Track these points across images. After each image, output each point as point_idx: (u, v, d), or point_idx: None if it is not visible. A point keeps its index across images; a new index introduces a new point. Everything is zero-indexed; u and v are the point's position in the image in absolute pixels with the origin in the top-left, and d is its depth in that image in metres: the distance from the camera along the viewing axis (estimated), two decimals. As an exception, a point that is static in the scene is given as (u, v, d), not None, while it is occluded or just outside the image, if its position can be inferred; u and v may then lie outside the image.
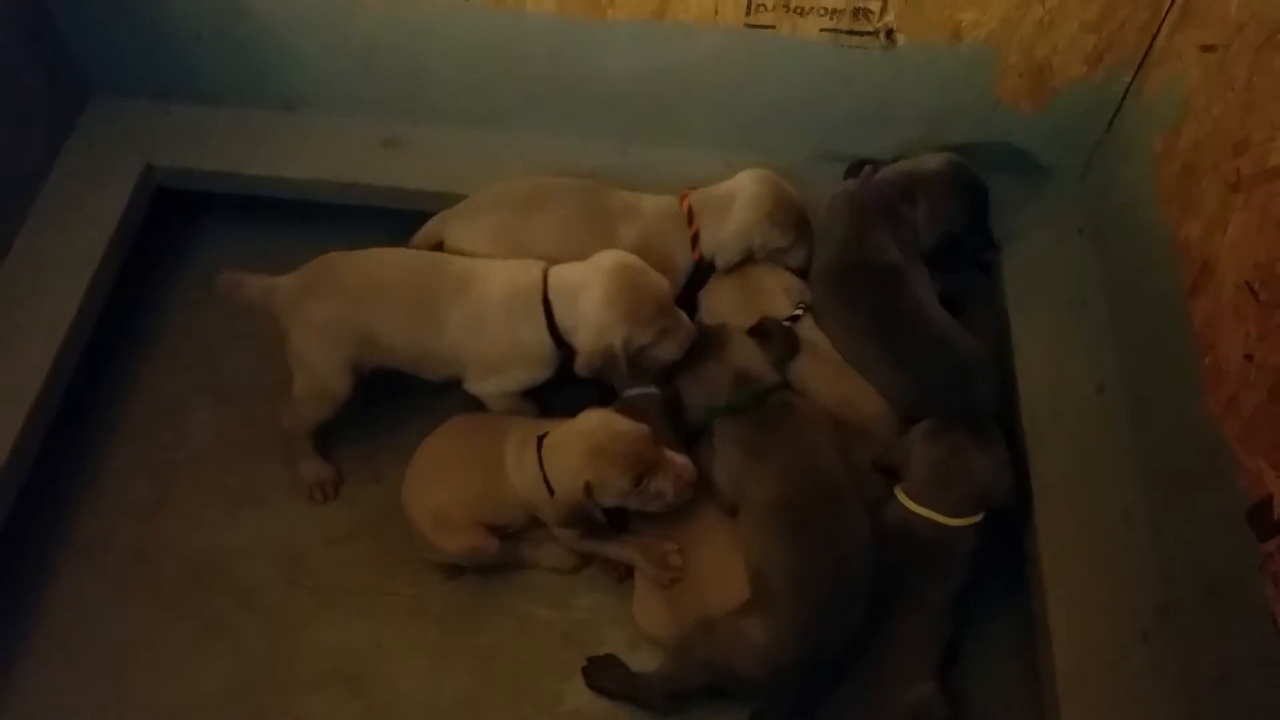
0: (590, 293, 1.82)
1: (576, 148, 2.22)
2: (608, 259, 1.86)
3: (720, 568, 1.82)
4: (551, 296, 1.86)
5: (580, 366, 1.85)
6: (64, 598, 1.93)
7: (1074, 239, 2.14)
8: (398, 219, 2.25)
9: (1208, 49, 1.76)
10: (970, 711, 1.82)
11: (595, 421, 1.79)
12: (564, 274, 1.88)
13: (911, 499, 1.79)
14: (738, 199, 2.02)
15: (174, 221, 2.36)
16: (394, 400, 2.11)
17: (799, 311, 2.00)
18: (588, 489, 1.74)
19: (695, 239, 2.03)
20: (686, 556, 1.85)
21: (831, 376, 1.96)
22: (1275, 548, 1.42)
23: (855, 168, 2.11)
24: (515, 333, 1.87)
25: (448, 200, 2.13)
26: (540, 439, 1.83)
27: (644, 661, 1.86)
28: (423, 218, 2.21)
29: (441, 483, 1.90)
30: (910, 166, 2.05)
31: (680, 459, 1.80)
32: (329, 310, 1.88)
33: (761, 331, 1.92)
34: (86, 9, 2.09)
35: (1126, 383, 1.94)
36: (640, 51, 2.06)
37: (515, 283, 1.88)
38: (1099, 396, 1.94)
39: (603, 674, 1.84)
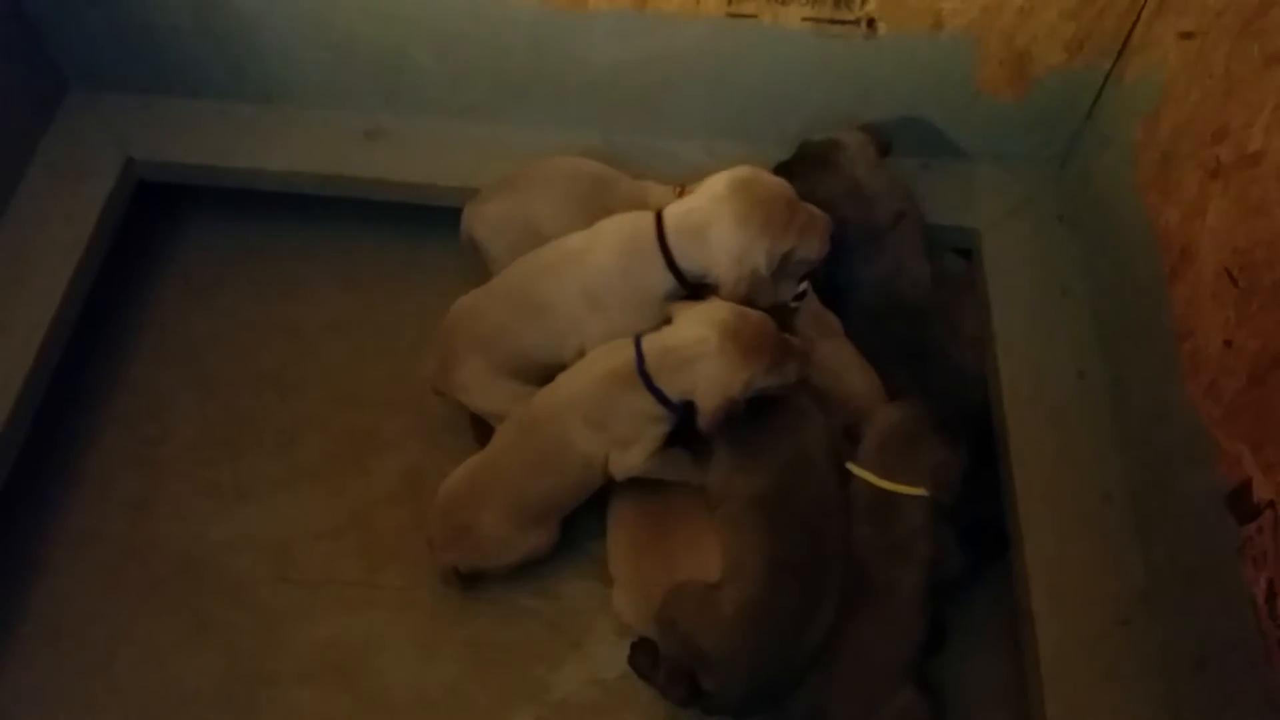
0: (720, 224, 1.77)
1: (559, 138, 2.21)
2: (719, 184, 1.81)
3: (696, 550, 1.82)
4: (671, 240, 1.81)
5: (726, 295, 1.79)
6: (51, 594, 1.93)
7: (1054, 226, 2.15)
8: (381, 210, 2.26)
9: (1186, 36, 1.76)
10: (953, 696, 1.83)
11: (724, 315, 1.72)
12: (680, 214, 1.82)
13: (855, 463, 1.80)
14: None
15: (155, 215, 2.35)
16: (380, 393, 2.11)
17: (803, 288, 1.95)
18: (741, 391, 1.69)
19: None
20: (663, 539, 1.85)
21: (826, 349, 1.97)
22: (1255, 531, 1.43)
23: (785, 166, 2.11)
24: (635, 280, 1.83)
25: (430, 192, 2.14)
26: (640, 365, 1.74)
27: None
28: (406, 209, 2.22)
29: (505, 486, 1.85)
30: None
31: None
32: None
33: None
34: (63, 1, 2.07)
35: (1107, 368, 1.95)
36: (622, 41, 2.05)
37: (624, 232, 1.85)
38: (1080, 382, 1.95)
39: (639, 655, 1.83)
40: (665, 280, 1.82)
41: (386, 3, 2.02)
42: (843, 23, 1.98)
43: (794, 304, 1.95)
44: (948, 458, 1.79)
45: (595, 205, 1.99)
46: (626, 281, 1.83)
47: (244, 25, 2.09)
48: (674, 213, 1.82)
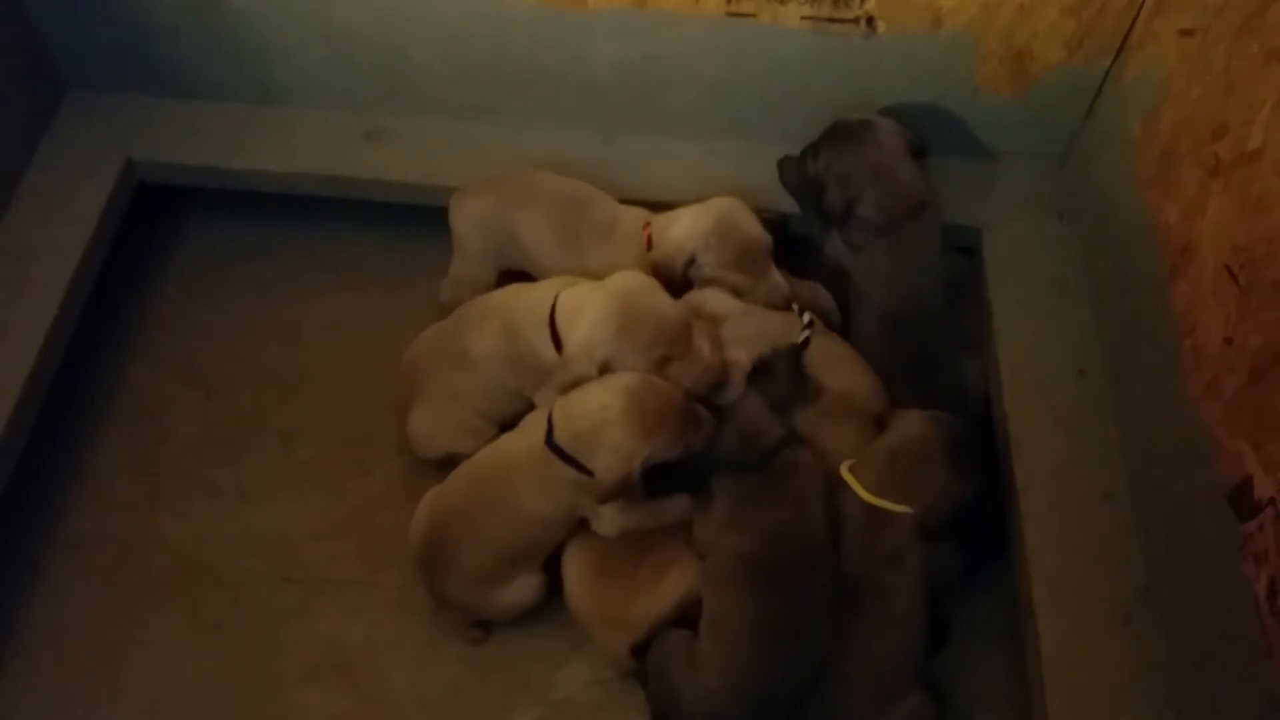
0: (588, 311, 1.76)
1: (558, 138, 2.22)
2: (616, 280, 1.80)
3: (655, 575, 1.81)
4: (558, 316, 1.81)
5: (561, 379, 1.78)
6: (53, 595, 1.93)
7: (1054, 224, 2.15)
8: (380, 211, 2.26)
9: (1186, 33, 1.76)
10: (955, 694, 1.83)
11: (631, 382, 1.68)
12: (569, 296, 1.83)
13: (848, 468, 1.77)
14: (682, 219, 1.94)
15: (156, 217, 2.35)
16: (381, 394, 2.11)
17: (807, 331, 1.91)
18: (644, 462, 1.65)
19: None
20: (620, 570, 1.82)
21: (832, 355, 1.95)
22: (1256, 528, 1.43)
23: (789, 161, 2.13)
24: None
25: (430, 193, 2.14)
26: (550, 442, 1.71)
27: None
28: (405, 210, 2.22)
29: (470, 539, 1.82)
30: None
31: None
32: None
33: (766, 370, 1.82)
34: (62, 3, 2.07)
35: (1108, 366, 1.95)
36: (622, 40, 2.05)
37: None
38: (1081, 380, 1.95)
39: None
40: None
41: (386, 2, 2.02)
42: (842, 21, 1.98)
43: (804, 333, 1.91)
44: (950, 485, 1.75)
45: (571, 229, 2.01)
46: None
47: (243, 26, 2.09)
48: (564, 296, 1.82)
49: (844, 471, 1.77)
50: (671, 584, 1.79)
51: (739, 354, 1.82)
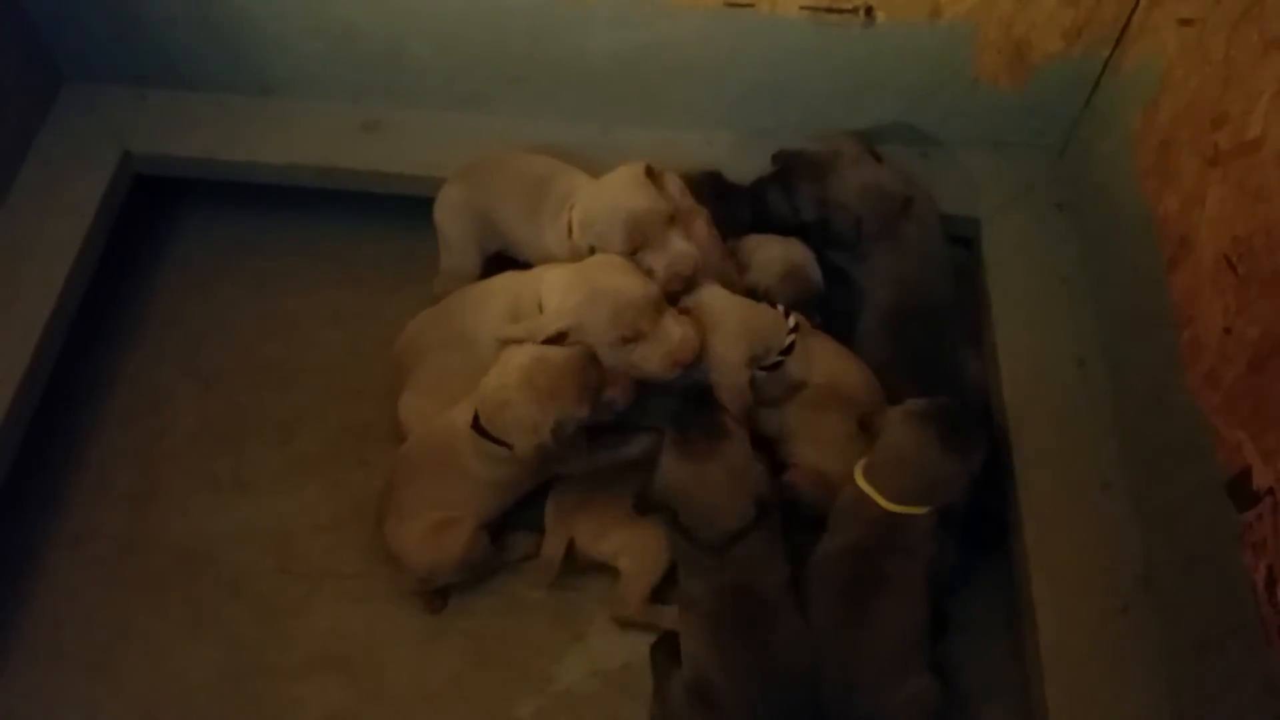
0: (560, 285, 1.80)
1: (557, 128, 2.22)
2: (590, 259, 1.83)
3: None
4: (543, 293, 1.83)
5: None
6: (52, 588, 1.93)
7: (1053, 215, 2.15)
8: (379, 203, 2.25)
9: (1185, 23, 1.76)
10: (955, 684, 1.83)
11: (523, 359, 1.73)
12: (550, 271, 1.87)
13: (863, 474, 1.77)
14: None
15: (153, 209, 2.35)
16: (379, 385, 2.11)
17: (792, 336, 1.88)
18: (553, 430, 1.71)
19: None
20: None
21: (821, 353, 1.94)
22: (1255, 518, 1.43)
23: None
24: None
25: (428, 184, 2.13)
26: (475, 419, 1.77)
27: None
28: (404, 201, 2.21)
29: (416, 497, 1.87)
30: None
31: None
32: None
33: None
34: (58, -6, 2.07)
35: (1106, 356, 1.95)
36: (620, 30, 2.05)
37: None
38: (1079, 370, 1.95)
39: (660, 654, 1.84)
40: None
41: (383, -7, 2.02)
42: (841, 11, 1.98)
43: (789, 337, 1.87)
44: (957, 470, 1.75)
45: (535, 207, 2.00)
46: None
47: (240, 17, 2.08)
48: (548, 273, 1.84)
49: (859, 479, 1.77)
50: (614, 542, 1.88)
51: (728, 348, 1.81)
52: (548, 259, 1.97)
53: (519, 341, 1.77)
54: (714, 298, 1.88)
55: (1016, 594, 1.82)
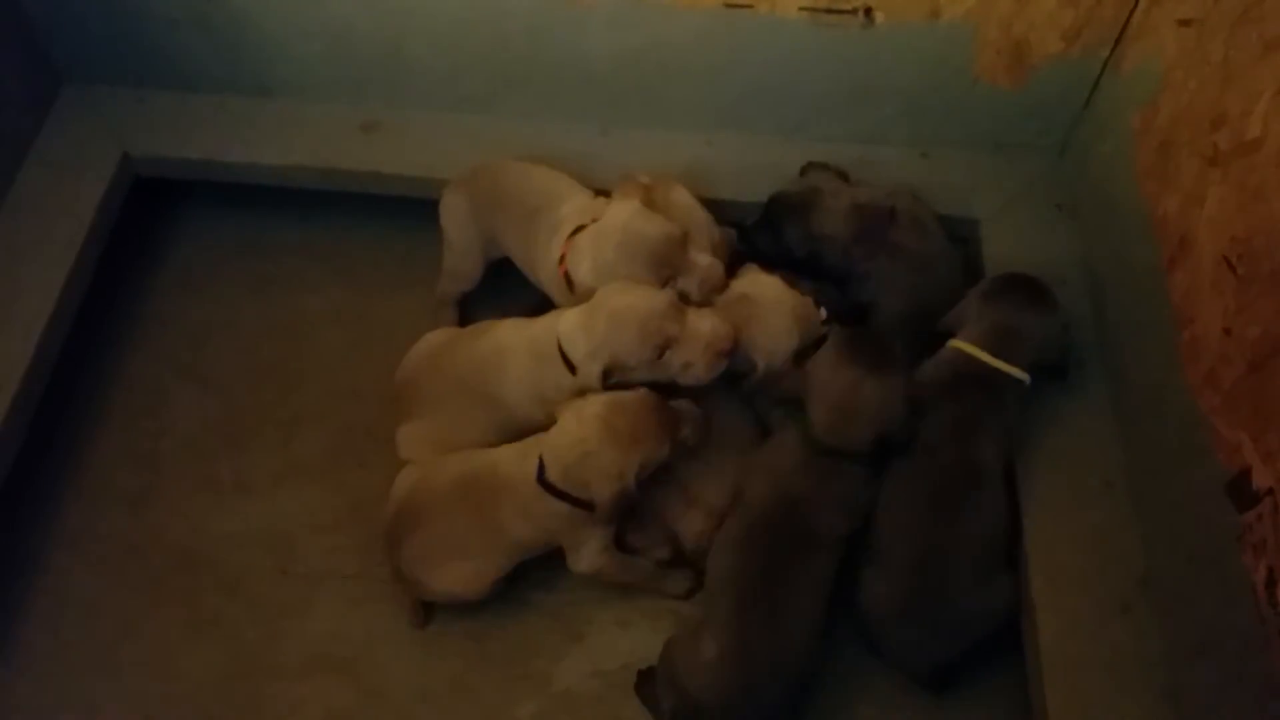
0: (574, 323, 1.79)
1: (556, 129, 2.22)
2: (607, 294, 1.80)
3: None
4: (561, 339, 1.82)
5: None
6: (52, 589, 1.93)
7: (1053, 215, 2.15)
8: (379, 203, 2.25)
9: (1185, 23, 1.76)
10: (955, 683, 1.84)
11: (597, 409, 1.71)
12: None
13: (968, 342, 1.82)
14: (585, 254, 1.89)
15: (152, 210, 2.35)
16: (379, 387, 2.11)
17: (824, 314, 1.92)
18: (636, 474, 1.71)
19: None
20: None
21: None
22: (1254, 518, 1.43)
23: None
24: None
25: (427, 185, 2.13)
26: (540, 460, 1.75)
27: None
28: (403, 202, 2.22)
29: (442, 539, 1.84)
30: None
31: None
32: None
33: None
34: (58, -5, 2.07)
35: (1106, 357, 1.95)
36: (619, 32, 2.05)
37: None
38: (1079, 371, 1.95)
39: (645, 685, 1.84)
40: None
41: (382, -5, 2.02)
42: (840, 12, 1.98)
43: (824, 327, 1.89)
44: (1053, 326, 1.84)
45: (530, 237, 2.00)
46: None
47: (240, 19, 2.08)
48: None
49: (960, 344, 1.81)
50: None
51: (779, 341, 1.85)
52: (540, 277, 2.00)
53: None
54: (761, 286, 1.89)
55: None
